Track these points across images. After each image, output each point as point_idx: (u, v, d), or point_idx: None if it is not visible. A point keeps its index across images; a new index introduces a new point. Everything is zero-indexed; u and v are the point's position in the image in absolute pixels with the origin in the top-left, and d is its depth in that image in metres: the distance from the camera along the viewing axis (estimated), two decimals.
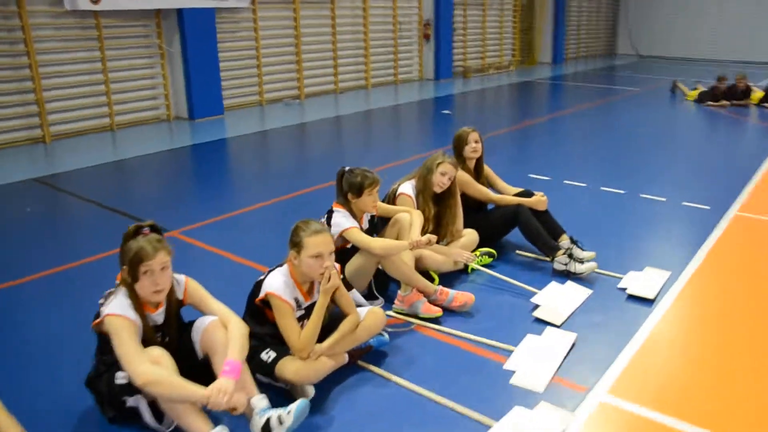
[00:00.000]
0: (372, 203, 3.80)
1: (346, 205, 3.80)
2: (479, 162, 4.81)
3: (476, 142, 4.71)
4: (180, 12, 10.32)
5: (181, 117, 10.80)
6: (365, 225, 3.95)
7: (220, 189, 7.14)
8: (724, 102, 12.75)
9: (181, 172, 8.18)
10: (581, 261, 4.30)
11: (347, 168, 3.84)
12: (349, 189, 3.75)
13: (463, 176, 4.60)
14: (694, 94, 13.47)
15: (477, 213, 4.76)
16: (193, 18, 10.44)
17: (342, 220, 3.72)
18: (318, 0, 12.90)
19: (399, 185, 4.33)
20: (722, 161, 8.29)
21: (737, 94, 12.89)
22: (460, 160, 4.72)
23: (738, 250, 5.11)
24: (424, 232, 4.10)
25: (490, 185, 4.91)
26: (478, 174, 4.81)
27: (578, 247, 4.48)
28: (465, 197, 4.61)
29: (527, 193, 4.71)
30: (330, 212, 3.81)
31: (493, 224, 4.67)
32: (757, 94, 13.08)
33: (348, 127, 10.96)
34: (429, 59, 15.97)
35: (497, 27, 18.78)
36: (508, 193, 4.81)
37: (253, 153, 9.15)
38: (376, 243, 3.66)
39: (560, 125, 10.94)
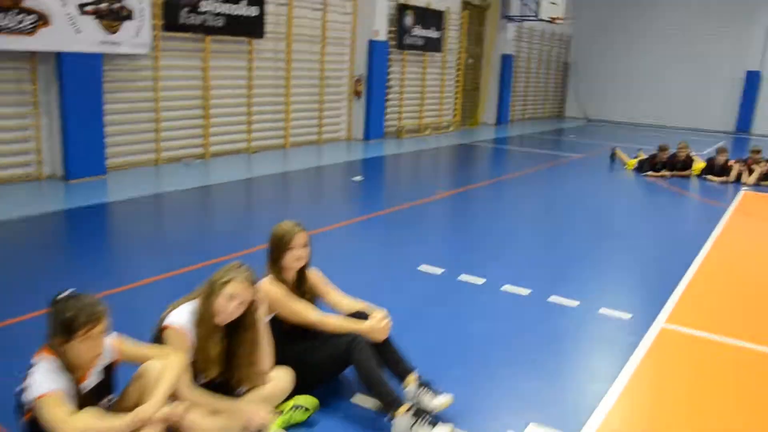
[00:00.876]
0: (90, 353, 2.51)
1: (59, 351, 2.50)
2: (303, 269, 3.59)
3: (303, 246, 3.47)
4: (59, 56, 9.06)
5: (55, 176, 9.43)
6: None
7: (95, 262, 5.84)
8: (665, 172, 11.91)
9: (48, 242, 6.77)
10: (432, 420, 3.05)
11: (67, 293, 2.55)
12: (55, 330, 2.47)
13: (273, 293, 3.36)
14: (634, 162, 12.63)
15: (299, 341, 3.48)
16: (74, 64, 9.16)
17: (39, 379, 2.42)
18: (232, 50, 11.80)
19: (169, 311, 3.02)
20: (653, 250, 7.25)
21: (678, 165, 12.08)
22: (275, 269, 3.47)
23: (662, 385, 3.96)
24: (206, 378, 2.84)
25: (316, 297, 3.65)
26: (299, 284, 3.58)
27: (431, 390, 3.26)
28: (281, 319, 3.38)
29: (362, 315, 3.48)
30: (31, 366, 2.51)
31: (318, 362, 3.37)
32: (699, 165, 12.30)
33: (247, 192, 9.72)
34: (359, 118, 14.93)
35: (437, 85, 17.94)
36: (342, 310, 3.56)
37: (137, 220, 7.80)
38: (66, 426, 2.34)
39: (481, 197, 9.90)
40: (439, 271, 5.77)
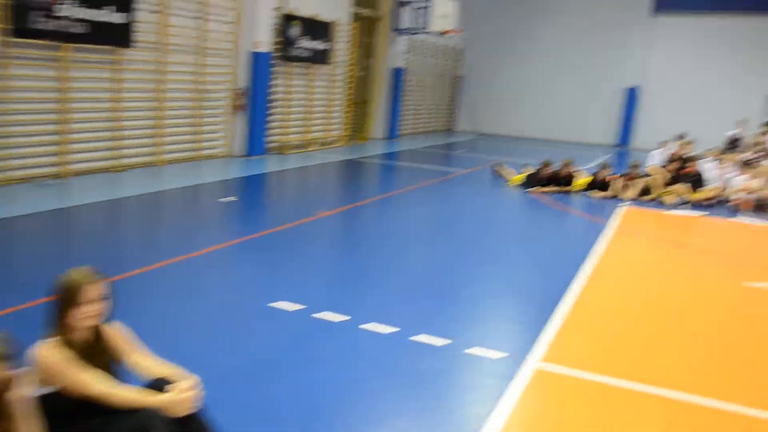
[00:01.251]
0: None
1: None
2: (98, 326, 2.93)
3: (96, 301, 2.82)
4: None
5: None
6: None
7: None
8: (552, 187, 11.92)
9: None
10: None
11: None
12: None
13: (50, 360, 2.70)
14: (520, 178, 12.60)
15: (94, 417, 2.81)
16: None
17: None
18: (96, 60, 10.83)
19: None
20: (532, 275, 7.02)
21: (561, 180, 12.12)
22: (60, 329, 2.81)
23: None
24: None
25: (116, 359, 3.01)
26: (94, 343, 2.93)
27: None
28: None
29: (165, 382, 2.88)
30: None
31: None
32: (581, 180, 12.39)
33: (99, 216, 8.76)
34: (240, 133, 14.20)
35: (326, 99, 17.47)
36: (144, 375, 2.95)
37: None
38: None
39: (361, 217, 9.49)
40: (295, 307, 5.20)
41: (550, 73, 25.26)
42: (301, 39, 15.52)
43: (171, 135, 12.57)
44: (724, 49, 23.13)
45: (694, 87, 23.57)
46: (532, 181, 12.05)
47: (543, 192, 11.84)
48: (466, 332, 4.99)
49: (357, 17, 18.42)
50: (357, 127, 20.02)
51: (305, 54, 15.86)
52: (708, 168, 13.33)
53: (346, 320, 4.99)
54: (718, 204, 11.96)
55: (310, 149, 16.60)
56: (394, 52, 20.29)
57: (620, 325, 5.52)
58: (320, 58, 16.52)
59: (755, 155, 14.74)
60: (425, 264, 7.20)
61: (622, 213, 10.51)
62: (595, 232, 8.95)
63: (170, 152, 12.59)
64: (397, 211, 10.10)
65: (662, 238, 9.49)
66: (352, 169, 14.57)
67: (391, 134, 20.86)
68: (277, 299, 5.28)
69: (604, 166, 12.15)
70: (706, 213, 11.03)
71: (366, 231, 8.75)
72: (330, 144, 17.64)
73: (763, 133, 16.75)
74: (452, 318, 5.30)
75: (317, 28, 16.13)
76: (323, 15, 16.30)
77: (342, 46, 17.73)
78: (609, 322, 5.54)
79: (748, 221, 10.63)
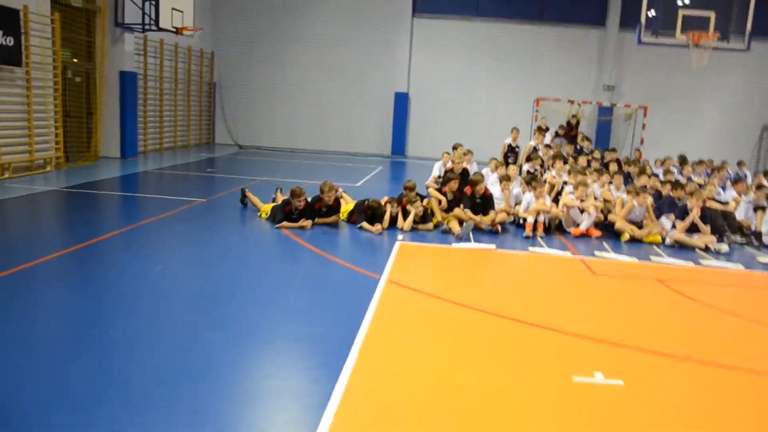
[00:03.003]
0: None
1: None
2: None
3: None
4: None
5: None
6: None
7: None
8: (305, 222, 9.13)
9: None
10: None
11: None
12: None
13: None
14: (268, 208, 9.71)
15: None
16: None
17: None
18: None
19: None
20: (280, 378, 4.14)
21: (322, 211, 9.43)
22: None
23: None
24: None
25: None
26: None
27: None
28: None
29: None
30: None
31: None
32: (346, 207, 9.85)
33: None
34: None
35: (22, 111, 13.25)
36: None
37: None
38: None
39: (35, 282, 5.94)
40: None
41: (315, 78, 22.90)
42: None
43: None
44: (492, 55, 22.35)
45: (465, 94, 22.54)
46: (281, 214, 9.15)
47: (298, 227, 9.05)
48: None
49: (59, 6, 14.38)
50: (79, 146, 15.91)
51: None
52: (491, 181, 11.52)
53: None
54: (510, 225, 10.14)
55: (3, 177, 12.39)
56: (121, 53, 16.45)
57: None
58: (4, 57, 12.37)
59: (533, 168, 13.35)
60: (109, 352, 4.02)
61: (397, 253, 8.05)
62: (365, 292, 6.32)
63: None
64: (98, 266, 6.69)
65: (443, 291, 7.14)
66: (51, 204, 10.72)
67: (128, 152, 16.98)
68: None
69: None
70: (496, 243, 8.98)
71: (32, 302, 5.29)
72: (36, 170, 13.46)
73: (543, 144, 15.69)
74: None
75: None
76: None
77: (40, 42, 13.63)
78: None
79: (541, 251, 8.74)
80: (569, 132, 19.50)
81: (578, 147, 17.01)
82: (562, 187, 11.23)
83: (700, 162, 14.97)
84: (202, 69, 22.27)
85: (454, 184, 9.91)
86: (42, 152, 13.82)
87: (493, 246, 8.71)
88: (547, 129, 19.20)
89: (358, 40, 22.48)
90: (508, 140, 15.65)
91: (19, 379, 4.13)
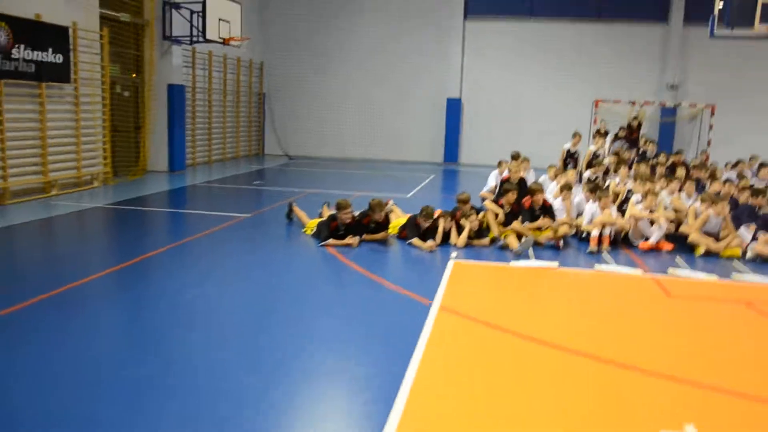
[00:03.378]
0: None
1: None
2: None
3: None
4: None
5: None
6: None
7: None
8: (352, 240, 8.61)
9: None
10: None
11: None
12: None
13: None
14: (314, 224, 9.24)
15: None
16: None
17: None
18: None
19: None
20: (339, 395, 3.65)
21: (369, 228, 8.90)
22: None
23: None
24: None
25: None
26: None
27: None
28: None
29: None
30: None
31: None
32: (397, 221, 9.31)
33: None
34: None
35: (71, 127, 13.18)
36: None
37: None
38: None
39: (78, 304, 5.61)
40: None
41: (364, 85, 22.48)
42: (15, 48, 11.28)
43: None
44: (547, 56, 21.52)
45: (519, 98, 21.75)
46: (326, 230, 8.66)
47: (343, 245, 8.54)
48: None
49: (107, 21, 14.31)
50: (126, 161, 15.85)
51: (27, 69, 11.61)
52: (549, 190, 10.82)
53: None
54: (572, 238, 9.43)
55: (51, 194, 12.31)
56: (169, 66, 16.34)
57: None
58: (54, 74, 12.30)
59: (595, 173, 12.56)
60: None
61: (451, 273, 7.46)
62: (414, 322, 5.75)
63: None
64: (128, 291, 6.34)
65: (502, 320, 6.51)
66: (96, 221, 10.53)
67: (176, 165, 16.86)
68: None
69: (424, 212, 8.97)
70: (558, 260, 8.28)
71: (61, 333, 4.95)
72: (84, 186, 13.38)
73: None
74: None
75: (43, 34, 11.95)
76: (50, 16, 12.11)
77: (89, 58, 13.56)
78: None
79: (608, 268, 8.00)
80: (630, 135, 18.50)
81: (641, 151, 16.05)
82: (627, 197, 10.43)
83: None
84: (251, 79, 22.12)
85: (511, 196, 9.23)
86: (89, 168, 13.74)
87: (555, 264, 8.01)
88: (607, 132, 18.30)
89: (408, 44, 21.97)
90: (568, 145, 14.84)
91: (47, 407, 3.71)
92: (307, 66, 22.66)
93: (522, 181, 10.67)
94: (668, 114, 21.00)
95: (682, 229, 9.37)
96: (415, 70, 22.12)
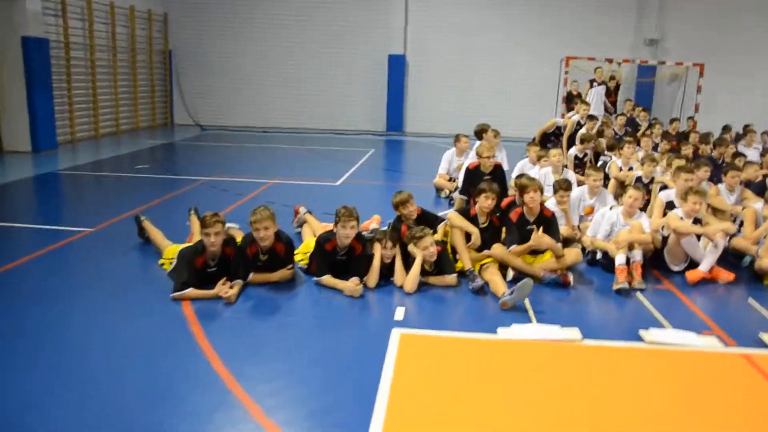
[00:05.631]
0: None
1: None
2: None
3: None
4: None
5: None
6: None
7: None
8: (226, 290, 5.18)
9: None
10: None
11: None
12: None
13: None
14: (174, 252, 5.72)
15: None
16: None
17: None
18: None
19: None
20: None
21: (256, 263, 5.48)
22: None
23: None
24: None
25: None
26: None
27: None
28: None
29: None
30: None
31: None
32: (307, 243, 5.96)
33: None
34: None
35: None
36: None
37: None
38: None
39: None
40: None
41: (290, 42, 18.78)
42: None
43: None
44: (506, 6, 18.19)
45: (473, 53, 18.41)
46: (185, 270, 5.16)
47: (209, 297, 5.18)
48: None
49: None
50: None
51: None
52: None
53: None
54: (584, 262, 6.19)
55: None
56: (22, 13, 12.37)
57: None
58: None
59: (583, 150, 9.46)
60: None
61: (391, 360, 4.16)
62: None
63: None
64: None
65: None
66: None
67: (42, 144, 13.01)
68: None
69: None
70: (576, 327, 4.96)
71: None
72: None
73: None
74: None
75: None
76: None
77: None
78: None
79: (663, 336, 4.74)
80: (607, 98, 15.51)
81: (628, 119, 12.99)
82: (648, 188, 7.27)
83: None
84: (151, 34, 18.11)
85: (489, 201, 5.88)
86: None
87: (576, 333, 4.72)
88: (578, 95, 15.28)
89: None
90: (560, 120, 11.58)
91: None
92: (221, 19, 18.76)
93: (498, 170, 7.38)
94: (645, 73, 18.03)
95: (736, 243, 6.29)
96: (351, 21, 18.50)
